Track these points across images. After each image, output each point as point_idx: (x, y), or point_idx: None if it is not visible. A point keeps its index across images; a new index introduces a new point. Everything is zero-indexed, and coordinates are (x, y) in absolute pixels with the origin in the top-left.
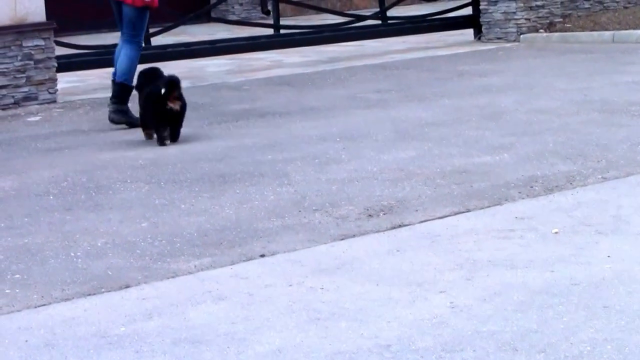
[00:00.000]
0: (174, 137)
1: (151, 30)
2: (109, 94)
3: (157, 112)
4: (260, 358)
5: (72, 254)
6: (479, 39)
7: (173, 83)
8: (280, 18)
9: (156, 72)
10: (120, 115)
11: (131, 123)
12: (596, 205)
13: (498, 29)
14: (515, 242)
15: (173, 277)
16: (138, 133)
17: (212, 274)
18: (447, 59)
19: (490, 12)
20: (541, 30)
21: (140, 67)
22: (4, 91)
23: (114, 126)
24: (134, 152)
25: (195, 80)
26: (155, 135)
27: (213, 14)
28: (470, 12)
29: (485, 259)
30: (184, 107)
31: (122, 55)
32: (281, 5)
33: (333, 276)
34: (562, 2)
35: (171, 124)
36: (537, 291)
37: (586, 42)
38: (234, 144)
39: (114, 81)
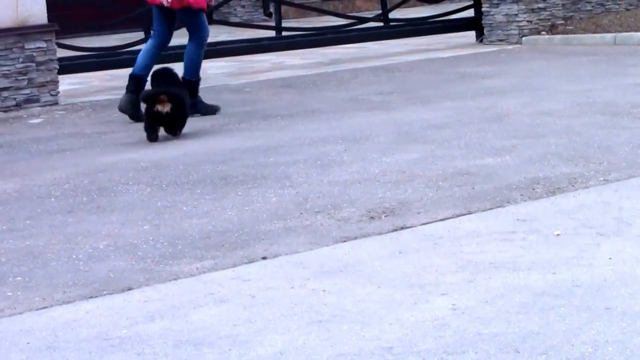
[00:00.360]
0: (174, 131)
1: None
2: (111, 96)
3: (148, 112)
4: None
5: (74, 257)
6: (481, 41)
7: (160, 77)
8: (282, 20)
9: (170, 72)
10: (194, 109)
11: (208, 109)
12: (598, 207)
13: (500, 31)
14: (517, 244)
15: (175, 279)
16: (139, 135)
17: (214, 276)
18: (449, 61)
19: (492, 15)
20: (543, 33)
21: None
22: (5, 93)
23: (115, 128)
24: (136, 154)
25: None
26: (161, 135)
27: (215, 16)
28: (472, 15)
29: (487, 261)
30: (177, 109)
31: (185, 57)
32: (283, 8)
33: (335, 278)
34: (563, 4)
35: (163, 125)
36: (539, 293)
37: (588, 44)
38: (236, 146)
39: (132, 75)
